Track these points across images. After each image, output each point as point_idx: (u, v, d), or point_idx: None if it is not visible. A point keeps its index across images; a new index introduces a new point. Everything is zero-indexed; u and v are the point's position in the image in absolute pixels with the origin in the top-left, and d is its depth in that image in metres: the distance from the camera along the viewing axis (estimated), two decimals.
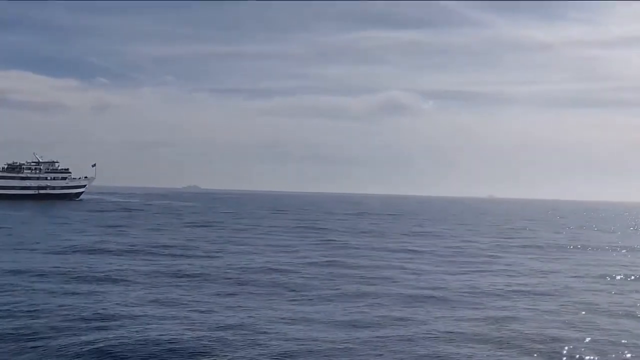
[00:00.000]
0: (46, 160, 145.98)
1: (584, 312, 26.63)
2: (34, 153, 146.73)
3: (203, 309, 24.85)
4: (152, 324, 21.90)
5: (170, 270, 35.35)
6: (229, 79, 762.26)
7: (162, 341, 19.57)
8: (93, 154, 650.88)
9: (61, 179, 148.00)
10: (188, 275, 33.60)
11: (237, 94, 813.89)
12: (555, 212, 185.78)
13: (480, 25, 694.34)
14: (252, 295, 28.74)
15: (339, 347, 19.85)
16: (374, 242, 58.25)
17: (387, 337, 21.30)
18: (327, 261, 41.60)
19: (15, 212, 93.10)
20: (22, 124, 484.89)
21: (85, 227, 67.47)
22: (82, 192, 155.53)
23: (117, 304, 25.23)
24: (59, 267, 35.04)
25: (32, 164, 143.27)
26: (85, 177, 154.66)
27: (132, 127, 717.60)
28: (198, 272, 34.86)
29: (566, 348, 20.58)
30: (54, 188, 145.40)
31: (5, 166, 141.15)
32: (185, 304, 25.96)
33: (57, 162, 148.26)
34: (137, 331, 20.77)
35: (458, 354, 19.65)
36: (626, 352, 20.45)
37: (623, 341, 21.74)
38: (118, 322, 22.01)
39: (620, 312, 26.97)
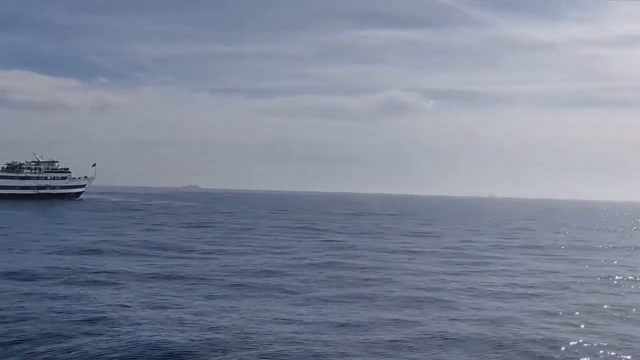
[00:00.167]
0: (46, 160, 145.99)
1: (583, 313, 26.34)
2: (33, 153, 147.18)
3: (195, 311, 24.50)
4: (142, 325, 21.55)
5: (165, 271, 35.02)
6: (229, 79, 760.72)
7: (153, 343, 19.23)
8: (93, 153, 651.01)
9: (61, 179, 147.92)
10: (182, 277, 33.19)
11: (237, 94, 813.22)
12: (555, 212, 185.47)
13: (480, 25, 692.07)
14: (246, 297, 28.37)
15: (333, 349, 19.52)
16: (374, 243, 57.92)
17: (385, 338, 21.00)
18: (325, 262, 41.28)
19: (15, 211, 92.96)
20: (22, 124, 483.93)
21: (83, 227, 67.21)
22: (82, 192, 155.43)
23: (108, 305, 24.88)
24: (53, 267, 34.69)
25: (32, 163, 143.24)
26: (85, 177, 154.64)
27: (132, 127, 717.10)
28: (193, 273, 34.51)
29: (564, 349, 20.33)
30: (53, 188, 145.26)
31: (5, 166, 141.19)
32: (178, 305, 25.62)
33: (57, 161, 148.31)
34: (127, 332, 20.44)
35: (455, 355, 19.38)
36: (625, 353, 20.17)
37: (622, 342, 21.47)
38: (107, 326, 21.62)
39: (620, 313, 26.72)
